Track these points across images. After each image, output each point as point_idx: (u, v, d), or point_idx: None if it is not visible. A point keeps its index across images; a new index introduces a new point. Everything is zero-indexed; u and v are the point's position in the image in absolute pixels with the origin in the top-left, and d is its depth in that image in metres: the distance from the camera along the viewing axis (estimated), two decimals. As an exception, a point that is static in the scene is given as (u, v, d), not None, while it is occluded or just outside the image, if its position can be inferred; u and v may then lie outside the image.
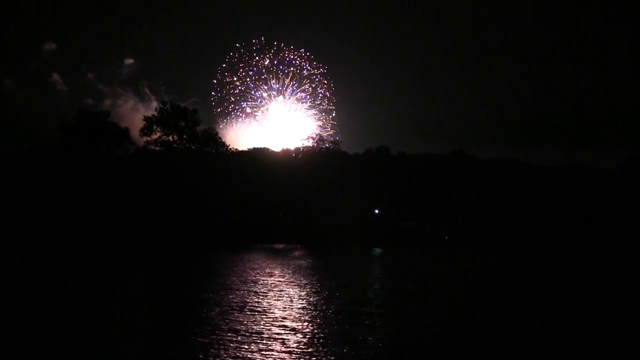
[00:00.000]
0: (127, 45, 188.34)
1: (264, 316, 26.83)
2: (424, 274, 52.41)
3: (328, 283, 40.86)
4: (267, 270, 48.11)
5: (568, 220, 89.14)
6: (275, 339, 22.36)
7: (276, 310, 28.33)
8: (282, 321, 25.75)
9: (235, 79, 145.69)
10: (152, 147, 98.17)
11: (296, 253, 74.45)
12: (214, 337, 22.57)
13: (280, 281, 40.22)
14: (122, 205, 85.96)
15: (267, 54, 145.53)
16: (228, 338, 22.43)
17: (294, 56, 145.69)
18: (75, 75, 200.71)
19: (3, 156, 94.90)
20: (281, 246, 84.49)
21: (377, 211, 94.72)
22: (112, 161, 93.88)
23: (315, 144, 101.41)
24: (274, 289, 36.00)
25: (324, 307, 29.76)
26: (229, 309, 28.66)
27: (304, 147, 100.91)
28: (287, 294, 34.23)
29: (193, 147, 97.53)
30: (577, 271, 57.45)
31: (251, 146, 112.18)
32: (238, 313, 27.51)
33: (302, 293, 34.82)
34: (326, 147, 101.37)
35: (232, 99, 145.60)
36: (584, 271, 57.67)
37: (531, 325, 26.74)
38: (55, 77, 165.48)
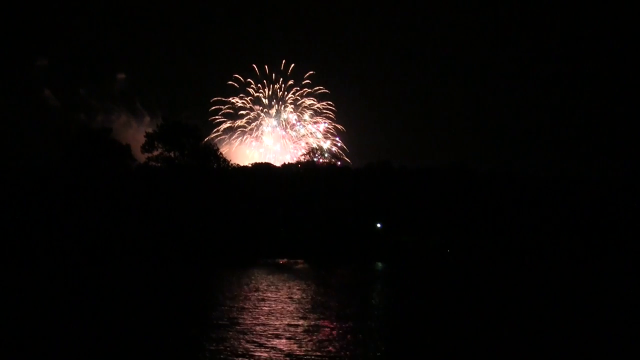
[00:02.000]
0: (119, 61, 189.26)
1: (241, 332, 26.43)
2: (423, 291, 51.74)
3: (320, 298, 40.38)
4: (264, 284, 47.70)
5: (571, 229, 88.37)
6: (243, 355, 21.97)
7: (257, 327, 27.90)
8: (259, 338, 25.35)
9: (233, 100, 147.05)
10: (154, 164, 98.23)
11: (298, 267, 74.21)
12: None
13: (269, 296, 39.76)
14: (123, 221, 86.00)
15: (264, 87, 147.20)
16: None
17: (295, 90, 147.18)
18: (68, 90, 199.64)
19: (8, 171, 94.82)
20: (284, 261, 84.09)
21: (379, 225, 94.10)
22: (116, 177, 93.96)
23: (312, 157, 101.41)
24: (259, 304, 35.57)
25: (307, 323, 29.29)
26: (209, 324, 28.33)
27: (304, 161, 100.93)
28: (272, 309, 33.77)
29: (194, 162, 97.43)
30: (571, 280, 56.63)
31: (251, 162, 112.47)
32: (218, 329, 27.16)
33: (290, 308, 34.38)
34: (327, 162, 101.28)
35: (230, 117, 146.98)
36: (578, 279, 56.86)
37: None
38: (48, 92, 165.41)
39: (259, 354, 22.46)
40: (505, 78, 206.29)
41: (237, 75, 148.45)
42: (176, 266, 67.64)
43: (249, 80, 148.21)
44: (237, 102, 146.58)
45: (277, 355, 22.35)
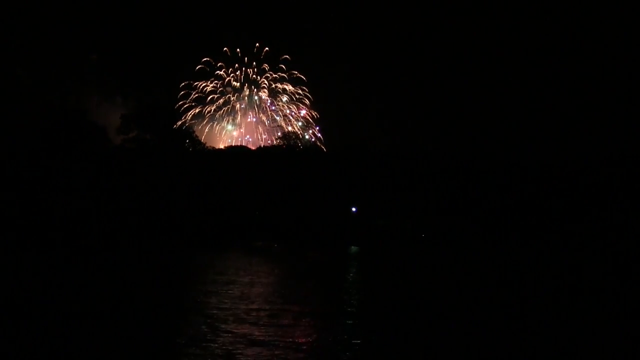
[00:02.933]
0: (90, 41, 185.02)
1: (204, 316, 26.33)
2: (398, 273, 52.07)
3: (290, 282, 40.40)
4: (234, 267, 47.60)
5: (548, 212, 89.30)
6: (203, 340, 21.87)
7: (221, 311, 27.80)
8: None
9: (205, 83, 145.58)
10: (129, 145, 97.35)
11: (272, 250, 74.35)
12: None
13: (238, 280, 39.68)
14: (101, 204, 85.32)
15: (235, 70, 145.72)
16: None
17: (269, 75, 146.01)
18: (39, 70, 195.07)
19: None
20: (259, 244, 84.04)
21: (354, 209, 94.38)
22: (94, 161, 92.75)
23: (288, 142, 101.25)
24: (226, 288, 35.47)
25: (272, 307, 29.26)
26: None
27: (279, 144, 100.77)
28: (241, 293, 33.68)
29: (170, 145, 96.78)
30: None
31: (226, 145, 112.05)
32: (180, 313, 27.05)
33: (257, 291, 34.35)
34: (302, 145, 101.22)
35: (200, 101, 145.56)
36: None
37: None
38: (20, 71, 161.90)
39: (221, 338, 22.37)
40: (480, 62, 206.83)
41: (208, 59, 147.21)
42: (149, 249, 67.17)
43: (220, 64, 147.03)
44: (208, 86, 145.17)
45: (238, 339, 22.27)
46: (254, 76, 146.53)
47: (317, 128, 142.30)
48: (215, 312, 27.51)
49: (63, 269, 44.90)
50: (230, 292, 34.07)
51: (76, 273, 42.02)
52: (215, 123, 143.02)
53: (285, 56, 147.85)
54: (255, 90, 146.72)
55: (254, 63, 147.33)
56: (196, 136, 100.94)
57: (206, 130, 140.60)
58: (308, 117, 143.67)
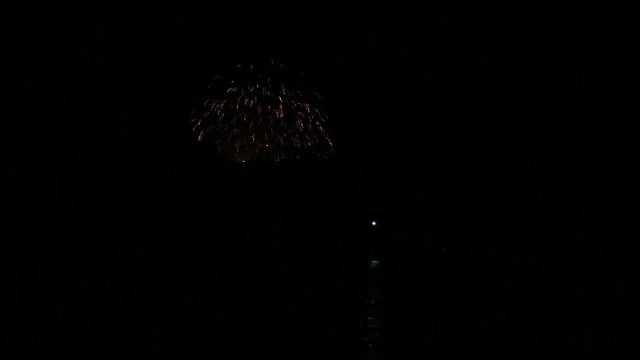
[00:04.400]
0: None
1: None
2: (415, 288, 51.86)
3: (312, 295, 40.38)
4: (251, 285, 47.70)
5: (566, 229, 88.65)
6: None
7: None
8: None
9: (217, 104, 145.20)
10: (151, 160, 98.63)
11: (291, 264, 74.23)
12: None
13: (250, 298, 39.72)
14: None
15: (250, 87, 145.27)
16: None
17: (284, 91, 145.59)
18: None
19: None
20: (278, 260, 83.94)
21: (374, 223, 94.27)
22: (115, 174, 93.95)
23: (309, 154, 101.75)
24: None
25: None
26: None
27: (299, 157, 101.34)
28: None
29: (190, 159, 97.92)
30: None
31: (246, 158, 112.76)
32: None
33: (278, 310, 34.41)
34: (321, 158, 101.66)
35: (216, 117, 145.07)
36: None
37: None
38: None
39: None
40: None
41: (219, 76, 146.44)
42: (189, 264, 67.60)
43: (232, 81, 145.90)
44: (219, 106, 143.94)
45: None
46: (268, 92, 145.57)
47: (331, 145, 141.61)
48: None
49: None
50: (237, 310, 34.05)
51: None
52: (231, 139, 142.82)
53: (301, 73, 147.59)
54: (270, 107, 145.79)
55: (269, 80, 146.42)
56: (217, 148, 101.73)
57: (222, 146, 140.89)
58: (323, 134, 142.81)
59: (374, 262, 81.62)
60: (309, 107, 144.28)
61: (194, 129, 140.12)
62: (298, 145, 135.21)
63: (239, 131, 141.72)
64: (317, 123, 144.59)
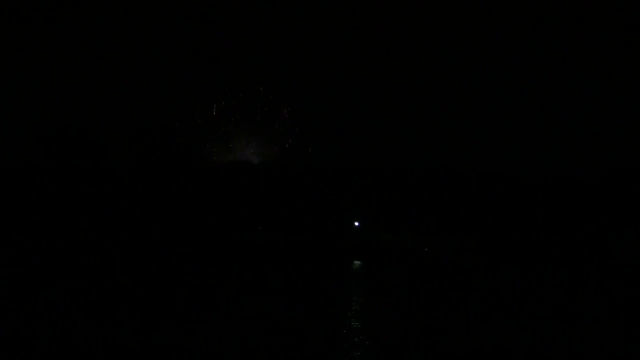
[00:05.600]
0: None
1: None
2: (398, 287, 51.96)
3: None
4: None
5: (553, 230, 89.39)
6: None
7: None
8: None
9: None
10: (133, 163, 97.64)
11: (274, 265, 73.99)
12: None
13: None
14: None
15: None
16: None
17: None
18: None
19: None
20: (261, 260, 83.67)
21: (356, 224, 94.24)
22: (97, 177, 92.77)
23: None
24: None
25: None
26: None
27: (280, 157, 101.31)
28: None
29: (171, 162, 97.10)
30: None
31: (227, 160, 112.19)
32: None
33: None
34: (302, 158, 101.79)
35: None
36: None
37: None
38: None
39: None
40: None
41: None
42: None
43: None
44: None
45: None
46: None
47: (311, 145, 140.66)
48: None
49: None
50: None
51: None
52: (211, 141, 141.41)
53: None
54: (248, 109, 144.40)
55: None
56: (200, 151, 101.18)
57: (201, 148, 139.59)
58: (302, 135, 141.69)
59: (357, 262, 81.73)
60: (286, 111, 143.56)
61: (173, 131, 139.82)
62: (278, 146, 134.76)
63: (220, 133, 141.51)
64: (295, 126, 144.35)
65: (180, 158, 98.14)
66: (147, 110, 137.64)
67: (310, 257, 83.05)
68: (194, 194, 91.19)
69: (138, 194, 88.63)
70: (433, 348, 24.39)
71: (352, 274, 67.56)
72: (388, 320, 31.15)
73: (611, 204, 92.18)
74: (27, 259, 65.91)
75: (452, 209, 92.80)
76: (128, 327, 27.69)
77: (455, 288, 50.39)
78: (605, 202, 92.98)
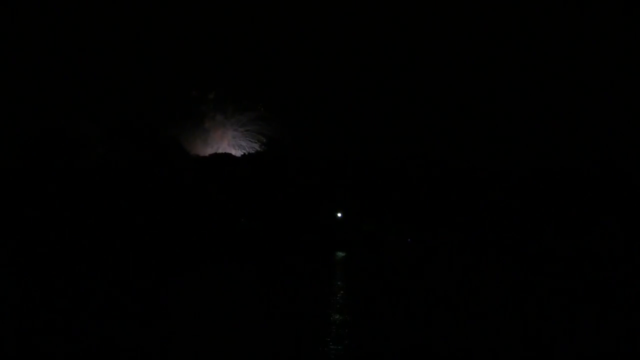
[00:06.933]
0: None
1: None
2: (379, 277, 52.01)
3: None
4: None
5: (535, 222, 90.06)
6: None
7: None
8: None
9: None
10: (112, 157, 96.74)
11: (256, 257, 73.86)
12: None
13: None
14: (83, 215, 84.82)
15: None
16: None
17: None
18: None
19: None
20: (243, 253, 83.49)
21: (339, 215, 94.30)
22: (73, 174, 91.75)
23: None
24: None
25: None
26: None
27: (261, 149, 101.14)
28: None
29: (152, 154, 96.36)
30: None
31: (210, 152, 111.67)
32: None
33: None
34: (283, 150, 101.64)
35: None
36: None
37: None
38: None
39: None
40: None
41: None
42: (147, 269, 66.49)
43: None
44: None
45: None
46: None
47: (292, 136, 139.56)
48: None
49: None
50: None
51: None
52: (197, 130, 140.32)
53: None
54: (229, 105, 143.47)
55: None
56: (180, 144, 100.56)
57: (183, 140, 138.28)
58: (282, 126, 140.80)
59: (340, 253, 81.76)
60: (262, 108, 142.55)
61: (156, 124, 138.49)
62: (257, 139, 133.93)
63: (200, 125, 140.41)
64: (277, 117, 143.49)
65: (161, 151, 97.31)
66: (127, 107, 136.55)
67: (292, 249, 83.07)
68: (175, 187, 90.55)
69: (119, 189, 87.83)
70: (410, 341, 24.40)
71: (335, 264, 67.54)
72: (368, 313, 31.06)
73: (594, 198, 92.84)
74: (10, 260, 65.08)
75: (435, 202, 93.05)
76: (109, 325, 27.45)
77: (435, 280, 50.56)
78: (590, 195, 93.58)
